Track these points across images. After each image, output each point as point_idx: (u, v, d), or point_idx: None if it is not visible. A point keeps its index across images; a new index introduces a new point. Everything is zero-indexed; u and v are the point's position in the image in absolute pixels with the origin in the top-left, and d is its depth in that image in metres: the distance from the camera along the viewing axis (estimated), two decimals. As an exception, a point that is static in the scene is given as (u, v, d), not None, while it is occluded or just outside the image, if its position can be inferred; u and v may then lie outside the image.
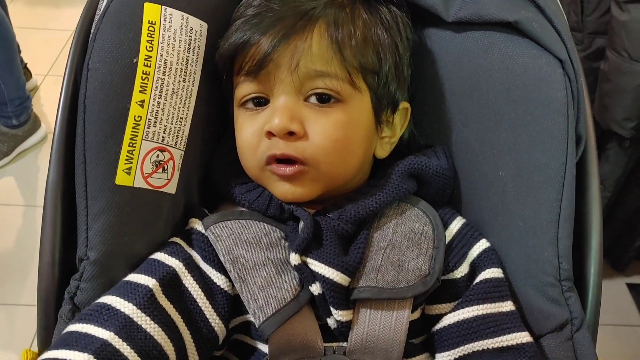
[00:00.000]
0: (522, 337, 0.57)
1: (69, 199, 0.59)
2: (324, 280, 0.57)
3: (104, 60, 0.58)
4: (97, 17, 0.61)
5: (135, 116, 0.58)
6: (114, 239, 0.57)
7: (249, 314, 0.59)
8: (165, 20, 0.60)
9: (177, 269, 0.58)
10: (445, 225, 0.64)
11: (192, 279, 0.58)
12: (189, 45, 0.61)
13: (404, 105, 0.67)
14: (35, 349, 0.57)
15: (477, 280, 0.60)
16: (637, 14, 1.14)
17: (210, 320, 0.58)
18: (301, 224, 0.61)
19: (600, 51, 1.28)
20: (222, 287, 0.59)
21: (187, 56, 0.61)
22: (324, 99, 0.60)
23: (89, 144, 0.57)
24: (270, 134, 0.60)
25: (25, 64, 2.11)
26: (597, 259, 0.61)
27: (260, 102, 0.62)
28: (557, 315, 0.59)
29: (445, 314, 0.61)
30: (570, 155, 0.60)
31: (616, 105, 1.24)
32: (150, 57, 0.59)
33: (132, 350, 0.50)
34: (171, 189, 0.62)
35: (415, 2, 0.66)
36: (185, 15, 0.61)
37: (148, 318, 0.53)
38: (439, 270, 0.60)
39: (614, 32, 1.19)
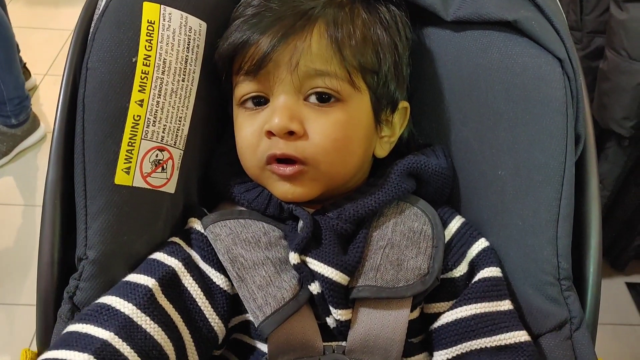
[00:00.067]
0: (520, 336, 0.57)
1: (68, 199, 0.59)
2: (323, 280, 0.57)
3: (103, 60, 0.58)
4: (96, 17, 0.61)
5: (134, 115, 0.58)
6: (113, 238, 0.57)
7: (248, 313, 0.59)
8: (164, 20, 0.60)
9: (176, 269, 0.58)
10: (445, 224, 0.64)
11: (191, 278, 0.58)
12: (188, 44, 0.61)
13: (403, 104, 0.67)
14: (34, 348, 0.57)
15: (476, 279, 0.60)
16: (636, 13, 1.14)
17: (209, 320, 0.58)
18: (300, 223, 0.61)
19: (599, 50, 1.28)
20: (221, 286, 0.59)
21: (186, 55, 0.61)
22: (323, 98, 0.60)
23: (88, 143, 0.57)
24: (270, 134, 0.60)
25: (24, 64, 2.11)
26: (596, 258, 0.61)
27: (260, 101, 0.62)
28: (556, 314, 0.59)
29: (444, 312, 0.61)
30: (570, 155, 0.60)
31: (615, 104, 1.24)
32: (150, 56, 0.59)
33: (132, 350, 0.50)
34: (170, 188, 0.62)
35: (414, 2, 0.66)
36: (185, 14, 0.61)
37: (148, 318, 0.53)
38: (438, 270, 0.60)
39: (612, 31, 1.19)
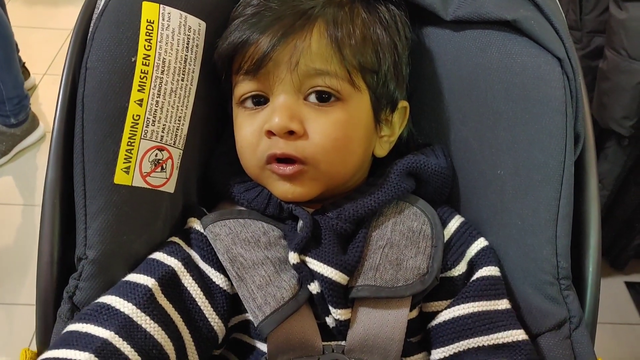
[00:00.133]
0: (518, 334, 0.57)
1: (67, 198, 0.59)
2: (323, 279, 0.57)
3: (102, 59, 0.58)
4: (95, 16, 0.61)
5: (133, 115, 0.58)
6: (113, 238, 0.57)
7: (247, 312, 0.59)
8: (163, 19, 0.60)
9: (176, 269, 0.58)
10: (444, 223, 0.64)
11: (191, 278, 0.58)
12: (188, 44, 0.61)
13: (403, 104, 0.67)
14: (34, 348, 0.57)
15: (474, 277, 0.60)
16: (635, 12, 1.14)
17: (209, 320, 0.58)
18: (300, 223, 0.61)
19: (598, 50, 1.28)
20: (221, 286, 0.59)
21: (186, 55, 0.61)
22: (323, 97, 0.60)
23: (88, 143, 0.57)
24: (270, 133, 0.60)
25: (24, 63, 2.11)
26: (596, 257, 0.61)
27: (260, 101, 0.62)
28: (555, 313, 0.59)
29: (442, 311, 0.61)
30: (569, 154, 0.60)
31: (615, 103, 1.24)
32: (149, 55, 0.59)
33: (132, 350, 0.50)
34: (170, 188, 0.62)
35: (413, 1, 0.66)
36: (184, 14, 0.61)
37: (148, 317, 0.53)
38: (438, 269, 0.60)
39: (612, 30, 1.19)
